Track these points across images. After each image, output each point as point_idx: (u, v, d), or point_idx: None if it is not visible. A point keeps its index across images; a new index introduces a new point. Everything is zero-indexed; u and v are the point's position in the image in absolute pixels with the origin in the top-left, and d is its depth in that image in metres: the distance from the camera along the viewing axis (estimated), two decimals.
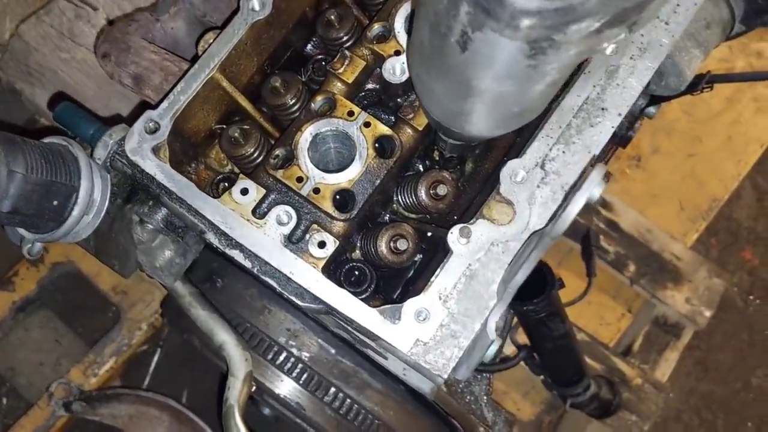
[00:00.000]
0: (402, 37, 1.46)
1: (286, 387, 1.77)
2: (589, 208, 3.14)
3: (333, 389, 1.76)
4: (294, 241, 1.37)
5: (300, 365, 1.75)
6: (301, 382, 1.76)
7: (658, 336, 3.12)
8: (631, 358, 3.04)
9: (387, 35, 1.47)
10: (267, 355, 1.75)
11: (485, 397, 2.09)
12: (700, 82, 2.12)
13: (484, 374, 2.04)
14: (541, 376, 2.71)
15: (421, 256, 1.49)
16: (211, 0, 1.85)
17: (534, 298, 2.11)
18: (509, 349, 2.56)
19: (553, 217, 1.24)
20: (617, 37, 0.95)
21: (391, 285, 1.51)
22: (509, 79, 0.96)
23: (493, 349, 1.31)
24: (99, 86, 2.39)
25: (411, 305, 1.28)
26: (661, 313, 3.11)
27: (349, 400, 1.77)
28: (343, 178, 1.38)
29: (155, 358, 3.09)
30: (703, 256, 3.22)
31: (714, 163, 3.32)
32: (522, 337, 2.55)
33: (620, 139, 2.37)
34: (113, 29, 1.81)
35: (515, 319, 2.37)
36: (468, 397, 2.00)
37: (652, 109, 2.33)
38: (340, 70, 1.45)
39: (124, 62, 1.68)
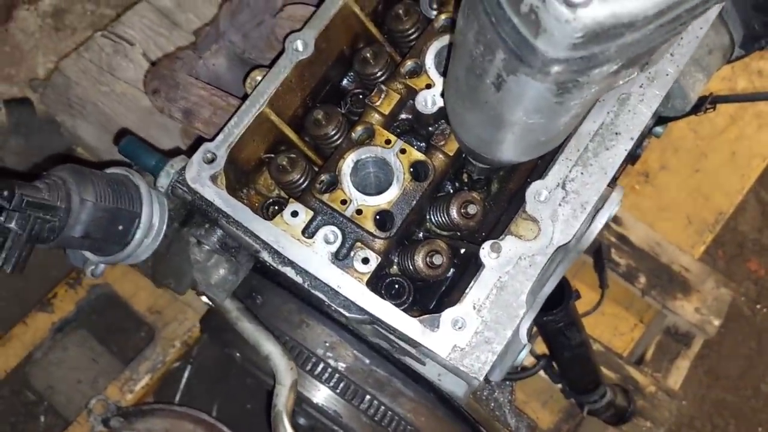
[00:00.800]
0: (432, 72, 1.62)
1: (323, 396, 1.89)
2: None
3: (368, 397, 1.87)
4: (340, 258, 1.51)
5: (337, 375, 1.87)
6: (338, 391, 1.87)
7: (669, 345, 3.24)
8: (644, 367, 3.16)
9: (419, 71, 1.62)
10: (305, 367, 1.87)
11: (508, 404, 2.21)
12: (704, 103, 2.27)
13: (507, 382, 2.17)
14: (560, 385, 2.84)
15: (453, 270, 1.62)
16: (249, 38, 2.00)
17: (553, 309, 2.24)
18: (529, 360, 2.69)
19: (577, 234, 1.37)
20: (631, 76, 1.10)
21: (427, 297, 1.65)
22: (538, 113, 1.11)
23: (524, 353, 1.45)
24: (139, 118, 2.55)
25: (448, 314, 1.41)
26: (672, 323, 3.24)
27: (383, 408, 1.89)
28: (383, 200, 1.53)
29: (186, 374, 3.22)
30: (710, 267, 3.34)
31: (719, 178, 3.46)
32: (540, 348, 2.68)
33: (629, 157, 2.51)
34: (160, 67, 1.96)
35: (534, 329, 2.50)
36: (492, 404, 2.12)
37: (659, 129, 2.47)
38: (377, 103, 1.60)
39: (174, 98, 1.83)
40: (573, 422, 3.13)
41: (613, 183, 2.48)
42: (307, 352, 1.88)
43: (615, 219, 3.29)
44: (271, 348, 1.73)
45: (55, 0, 3.67)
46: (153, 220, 1.64)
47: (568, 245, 1.38)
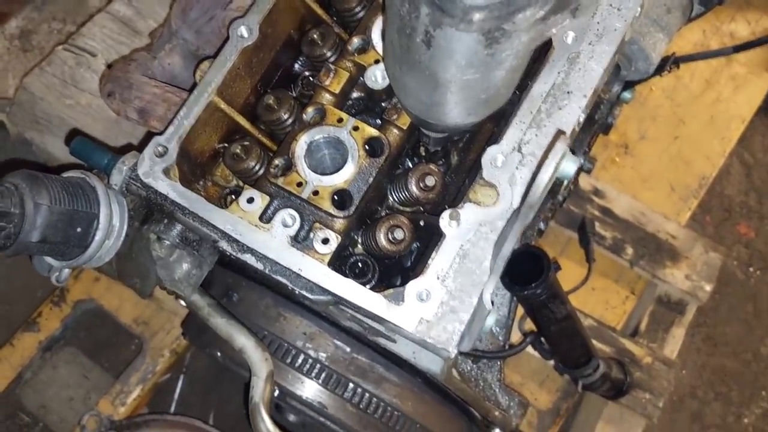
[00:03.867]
0: (380, 47, 1.60)
1: (307, 388, 1.86)
2: (582, 197, 3.25)
3: (351, 385, 1.85)
4: (300, 241, 1.49)
5: (318, 365, 1.84)
6: (320, 381, 1.85)
7: (663, 314, 3.20)
8: (639, 338, 3.14)
9: (366, 47, 1.61)
10: (286, 359, 1.84)
11: (498, 383, 2.18)
12: (667, 63, 2.25)
13: (495, 361, 2.14)
14: (551, 361, 2.81)
15: (417, 245, 1.61)
16: (202, 34, 1.99)
17: (533, 283, 2.21)
18: (517, 338, 2.66)
19: (527, 192, 1.36)
20: (563, 22, 1.08)
21: (393, 274, 1.63)
22: (471, 67, 1.09)
23: (491, 319, 1.43)
24: (105, 128, 2.53)
25: (412, 287, 1.39)
26: (663, 292, 3.20)
27: (367, 395, 1.86)
28: (339, 179, 1.51)
29: (179, 384, 3.20)
30: (699, 233, 3.32)
31: (699, 143, 3.43)
32: (529, 325, 2.65)
33: (601, 126, 2.50)
34: (114, 70, 1.95)
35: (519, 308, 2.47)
36: (481, 384, 2.09)
37: (627, 94, 2.45)
38: (327, 82, 1.59)
39: (129, 98, 1.82)
40: (572, 400, 3.10)
41: (585, 155, 2.47)
42: (286, 344, 1.85)
43: (597, 192, 3.26)
44: (243, 341, 1.71)
45: (21, 22, 3.65)
46: (113, 220, 1.62)
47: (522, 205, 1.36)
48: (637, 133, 3.42)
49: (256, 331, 1.80)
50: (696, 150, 3.41)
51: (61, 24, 3.65)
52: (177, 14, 1.99)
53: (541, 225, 2.41)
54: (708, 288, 3.17)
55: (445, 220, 1.42)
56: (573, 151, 1.96)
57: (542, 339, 2.63)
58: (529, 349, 2.56)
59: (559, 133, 1.41)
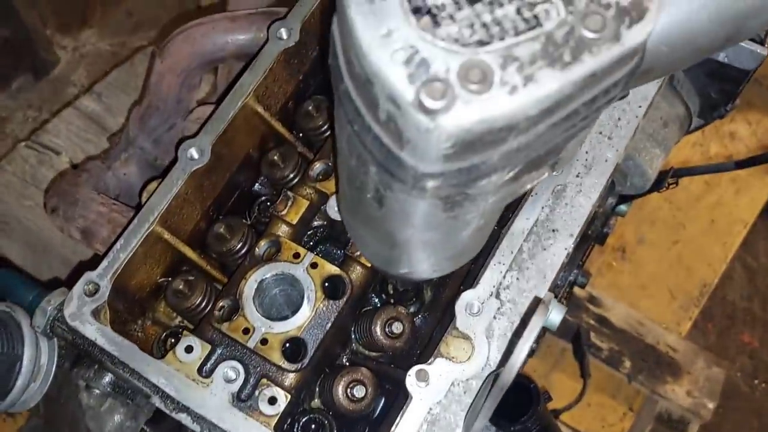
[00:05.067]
0: None
1: None
2: (577, 305, 3.07)
3: None
4: (243, 399, 1.30)
5: None
6: None
7: None
8: None
9: (330, 172, 1.44)
10: None
11: None
12: (665, 179, 2.10)
13: None
14: None
15: (384, 399, 1.41)
16: (161, 143, 1.84)
17: (521, 417, 2.01)
18: None
19: (503, 361, 1.17)
20: (540, 178, 0.92)
21: (357, 430, 1.43)
22: (431, 230, 0.92)
23: None
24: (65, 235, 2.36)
25: None
26: (663, 409, 3.00)
27: None
28: (292, 326, 1.32)
29: None
30: (701, 342, 3.13)
31: (700, 248, 3.28)
32: None
33: (596, 237, 2.33)
34: (62, 181, 1.79)
35: None
36: None
37: (623, 207, 2.31)
38: (284, 212, 1.42)
39: (72, 216, 1.65)
40: None
41: (578, 268, 2.29)
42: None
43: (593, 299, 3.08)
44: None
45: None
46: (41, 361, 1.43)
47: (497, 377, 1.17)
48: (635, 237, 3.26)
49: None
50: (697, 255, 3.25)
51: (36, 112, 3.54)
52: (135, 121, 1.84)
53: (533, 345, 2.21)
54: (711, 405, 2.97)
55: (411, 379, 1.23)
56: (558, 285, 1.78)
57: None
58: None
59: (537, 301, 1.23)
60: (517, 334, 1.19)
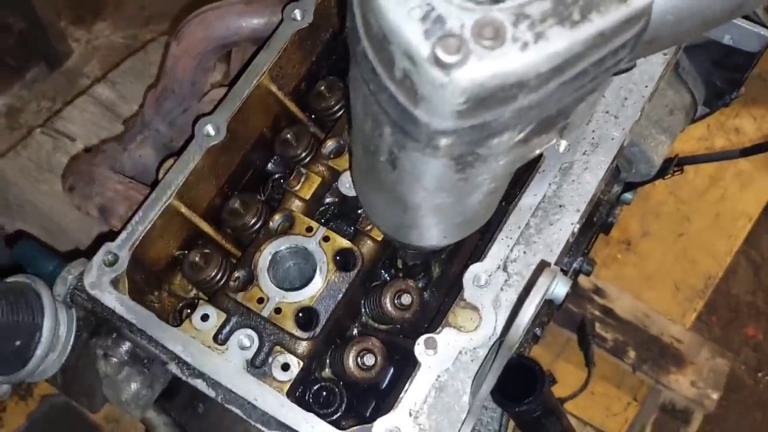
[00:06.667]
0: None
1: None
2: (582, 296, 3.10)
3: None
4: (257, 365, 1.33)
5: None
6: None
7: (667, 423, 3.02)
8: None
9: (342, 150, 1.48)
10: None
11: None
12: (670, 166, 2.13)
13: None
14: None
15: (393, 369, 1.44)
16: (176, 126, 1.88)
17: (526, 398, 2.04)
18: None
19: (510, 321, 1.21)
20: (549, 142, 0.95)
21: (365, 400, 1.47)
22: (443, 192, 0.96)
23: None
24: (81, 217, 2.40)
25: (381, 425, 1.23)
26: (667, 399, 3.02)
27: None
28: (305, 296, 1.36)
29: None
30: (705, 335, 3.15)
31: (705, 241, 3.30)
32: None
33: (601, 226, 2.36)
34: (79, 161, 1.83)
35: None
36: None
37: (628, 195, 2.33)
38: (297, 188, 1.46)
39: (89, 194, 1.69)
40: None
41: (584, 256, 2.32)
42: None
43: (598, 290, 3.11)
44: None
45: (8, 99, 3.59)
46: (59, 331, 1.47)
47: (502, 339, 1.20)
48: (640, 230, 3.29)
49: None
50: (701, 248, 3.27)
51: (50, 103, 3.58)
52: (150, 104, 1.88)
53: (537, 330, 2.24)
54: (715, 396, 3.00)
55: (420, 347, 1.26)
56: (564, 270, 1.82)
57: None
58: None
59: (544, 264, 1.26)
60: (523, 300, 1.22)
